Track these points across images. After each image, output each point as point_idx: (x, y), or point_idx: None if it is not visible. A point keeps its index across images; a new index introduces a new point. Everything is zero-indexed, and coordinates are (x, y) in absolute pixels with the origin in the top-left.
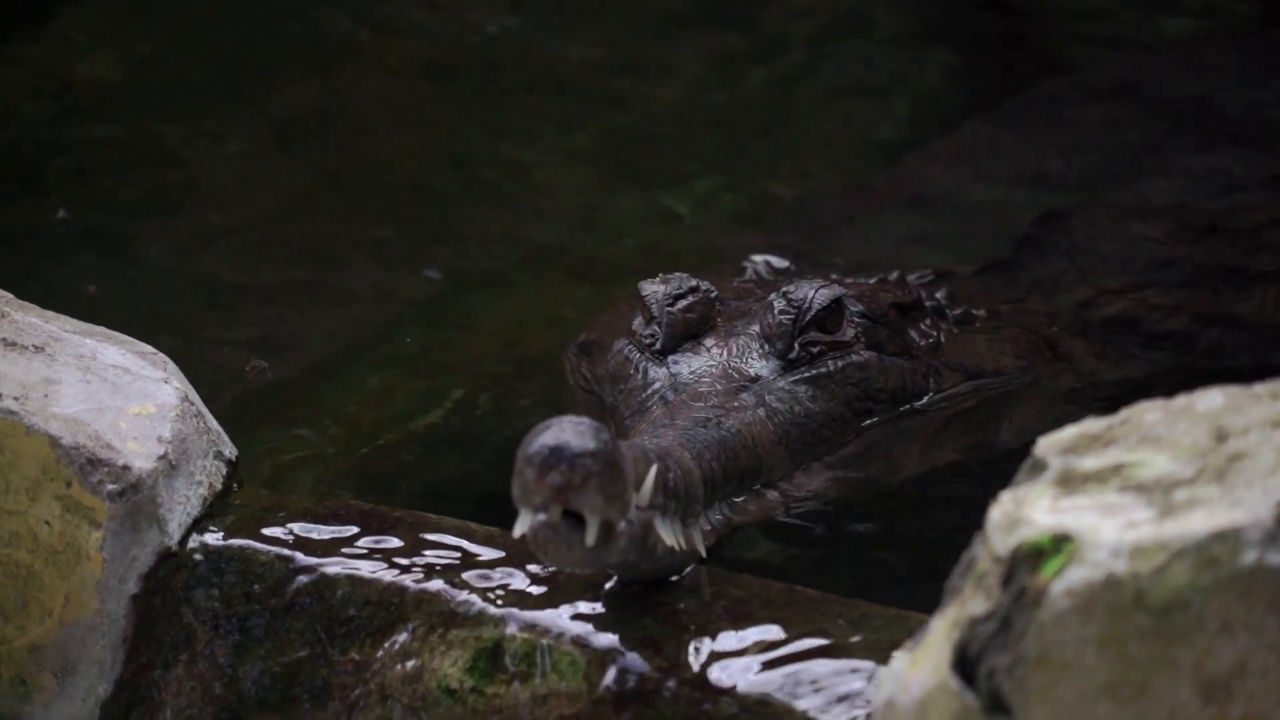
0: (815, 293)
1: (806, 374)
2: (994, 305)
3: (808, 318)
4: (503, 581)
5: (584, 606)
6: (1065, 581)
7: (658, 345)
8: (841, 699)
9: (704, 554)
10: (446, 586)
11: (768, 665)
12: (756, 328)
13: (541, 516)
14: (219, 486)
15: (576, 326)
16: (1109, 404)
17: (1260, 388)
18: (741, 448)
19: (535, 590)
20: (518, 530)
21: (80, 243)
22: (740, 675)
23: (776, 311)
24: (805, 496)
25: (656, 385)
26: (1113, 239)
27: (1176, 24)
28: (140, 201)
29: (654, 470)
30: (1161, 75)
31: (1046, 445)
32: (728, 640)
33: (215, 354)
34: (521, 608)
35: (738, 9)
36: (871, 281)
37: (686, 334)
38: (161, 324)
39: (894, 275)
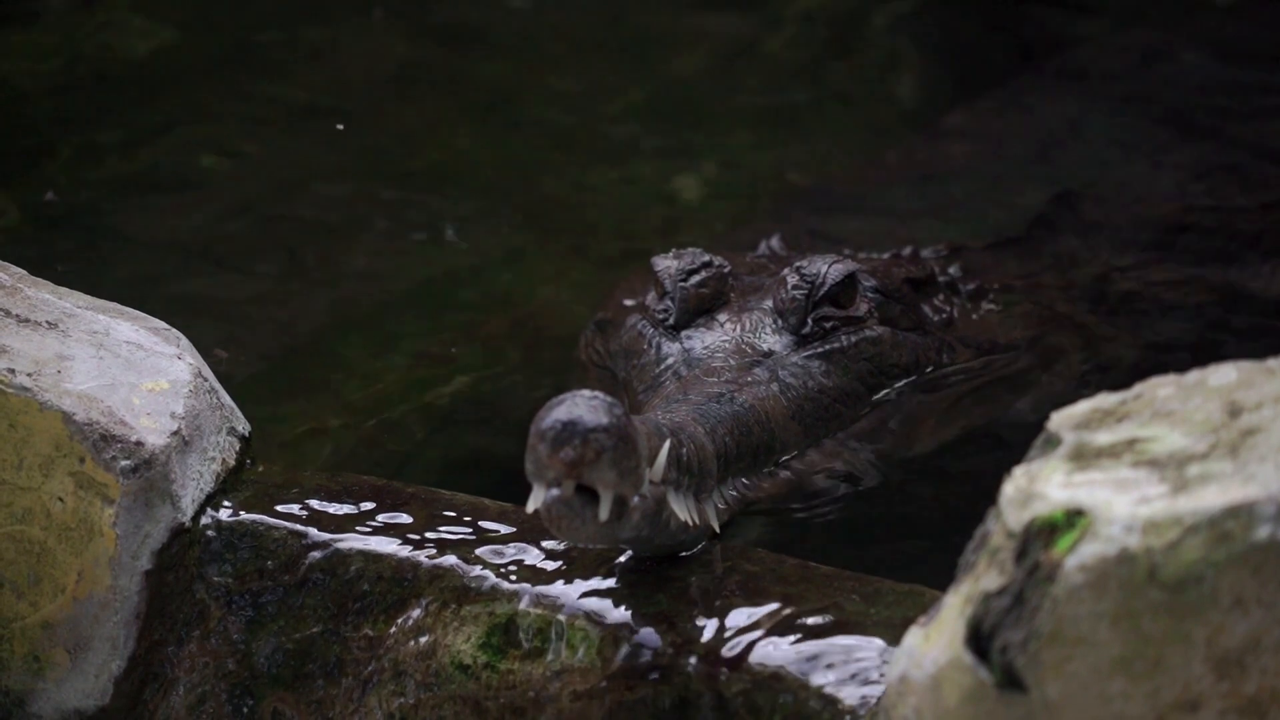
0: (829, 268)
1: (820, 349)
2: (1007, 280)
3: (821, 293)
4: (516, 557)
5: (597, 582)
6: (1079, 556)
7: (671, 320)
8: (855, 674)
9: (717, 529)
10: (460, 562)
11: (781, 640)
12: (770, 303)
13: (555, 492)
14: (232, 462)
15: (592, 301)
16: (1122, 379)
17: (1273, 362)
18: (755, 423)
19: (548, 565)
20: (531, 505)
21: (78, 224)
22: (754, 650)
23: (790, 286)
24: (818, 471)
25: (670, 360)
26: (1125, 215)
27: None
28: (142, 181)
29: (667, 445)
30: (1174, 50)
31: (1059, 420)
32: (741, 616)
33: (226, 330)
34: (535, 583)
35: None
36: (885, 257)
37: (699, 309)
38: (173, 301)
39: (907, 250)
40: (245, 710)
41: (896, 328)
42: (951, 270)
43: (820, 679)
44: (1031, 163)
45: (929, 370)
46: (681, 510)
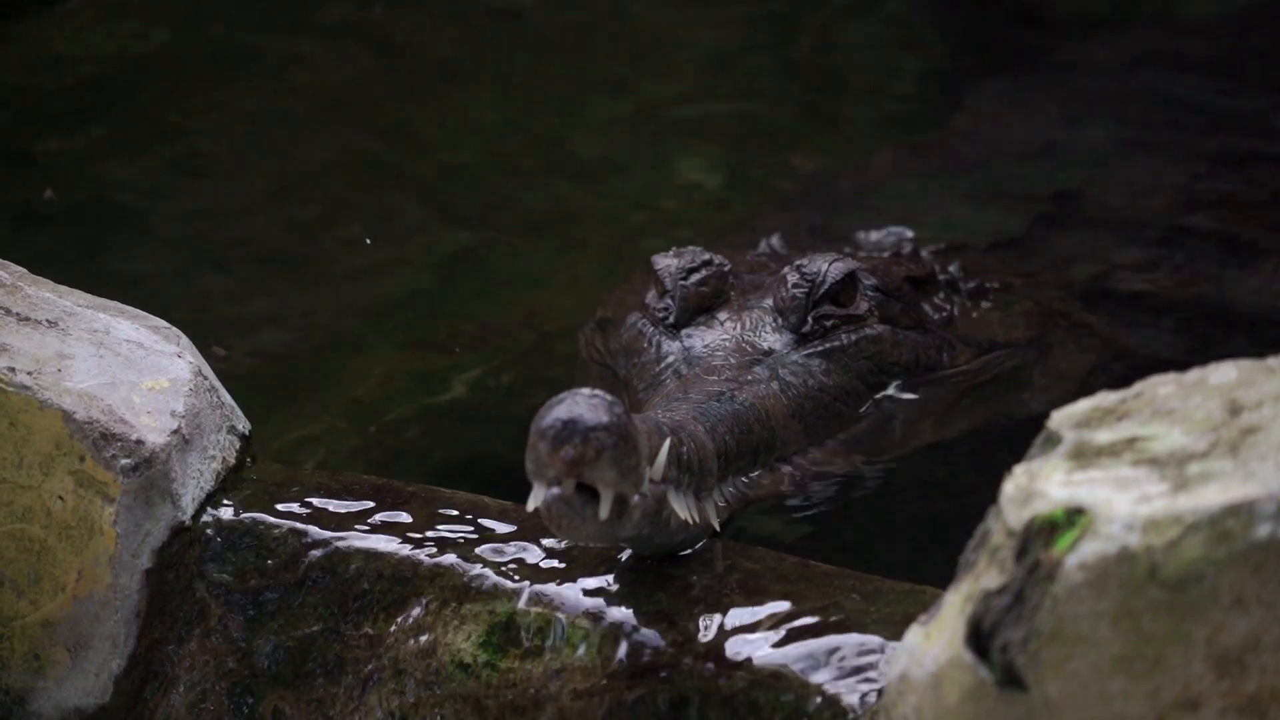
0: (829, 266)
1: (820, 347)
2: (1007, 279)
3: (821, 291)
4: (516, 555)
5: (598, 581)
6: (1079, 555)
7: (671, 319)
8: (855, 673)
9: (717, 528)
10: (460, 561)
11: (781, 639)
12: (770, 301)
13: (555, 490)
14: (232, 461)
15: (592, 300)
16: (1122, 377)
17: (1274, 361)
18: (755, 421)
19: (549, 564)
20: (531, 504)
21: (78, 222)
22: (754, 649)
23: (790, 285)
24: (819, 470)
25: (670, 359)
26: (1126, 213)
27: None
28: (142, 180)
29: (668, 444)
30: (1176, 47)
31: (1060, 419)
32: (741, 614)
33: (227, 329)
34: (535, 582)
35: None
36: (885, 255)
37: (699, 307)
38: (173, 299)
39: (907, 249)
40: (245, 708)
41: (897, 326)
42: (951, 269)
43: (821, 677)
44: (1032, 161)
45: (929, 369)
46: (682, 509)
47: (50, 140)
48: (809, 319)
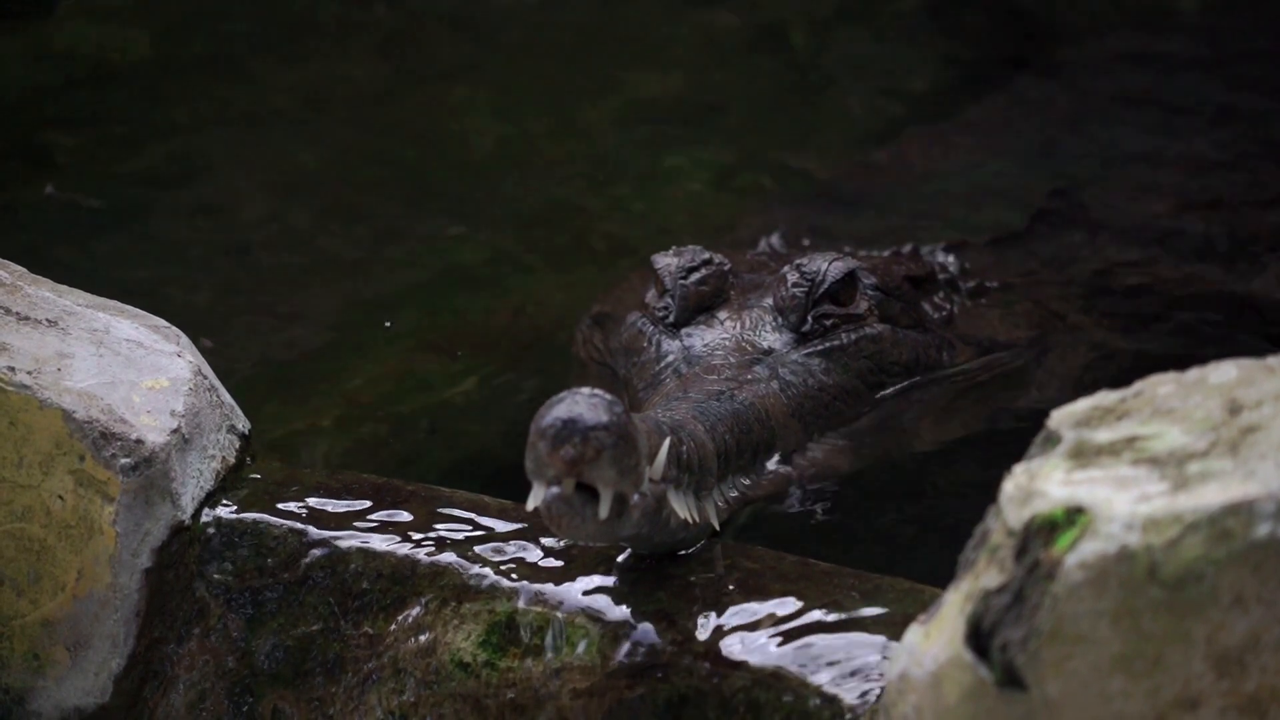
0: (829, 265)
1: (819, 347)
2: (1007, 278)
3: (821, 290)
4: (516, 555)
5: (597, 580)
6: (1079, 554)
7: (670, 318)
8: (855, 672)
9: (717, 527)
10: (459, 560)
11: (781, 638)
12: (770, 300)
13: (555, 490)
14: (232, 460)
15: (589, 298)
16: (1122, 377)
17: (1274, 360)
18: (755, 420)
19: (549, 563)
20: (531, 503)
21: (77, 220)
22: (753, 648)
23: (790, 284)
24: (818, 470)
25: (669, 358)
26: (1125, 212)
27: None
28: (145, 178)
29: (667, 443)
30: (1174, 49)
31: (1060, 418)
32: (741, 613)
33: (226, 329)
34: (535, 581)
35: None
36: (885, 254)
37: (699, 306)
38: (172, 298)
39: (907, 248)
40: (245, 708)
41: (896, 325)
42: (951, 268)
43: (820, 677)
44: (1031, 160)
45: (929, 368)
46: (681, 508)
47: (52, 138)
48: (809, 318)
